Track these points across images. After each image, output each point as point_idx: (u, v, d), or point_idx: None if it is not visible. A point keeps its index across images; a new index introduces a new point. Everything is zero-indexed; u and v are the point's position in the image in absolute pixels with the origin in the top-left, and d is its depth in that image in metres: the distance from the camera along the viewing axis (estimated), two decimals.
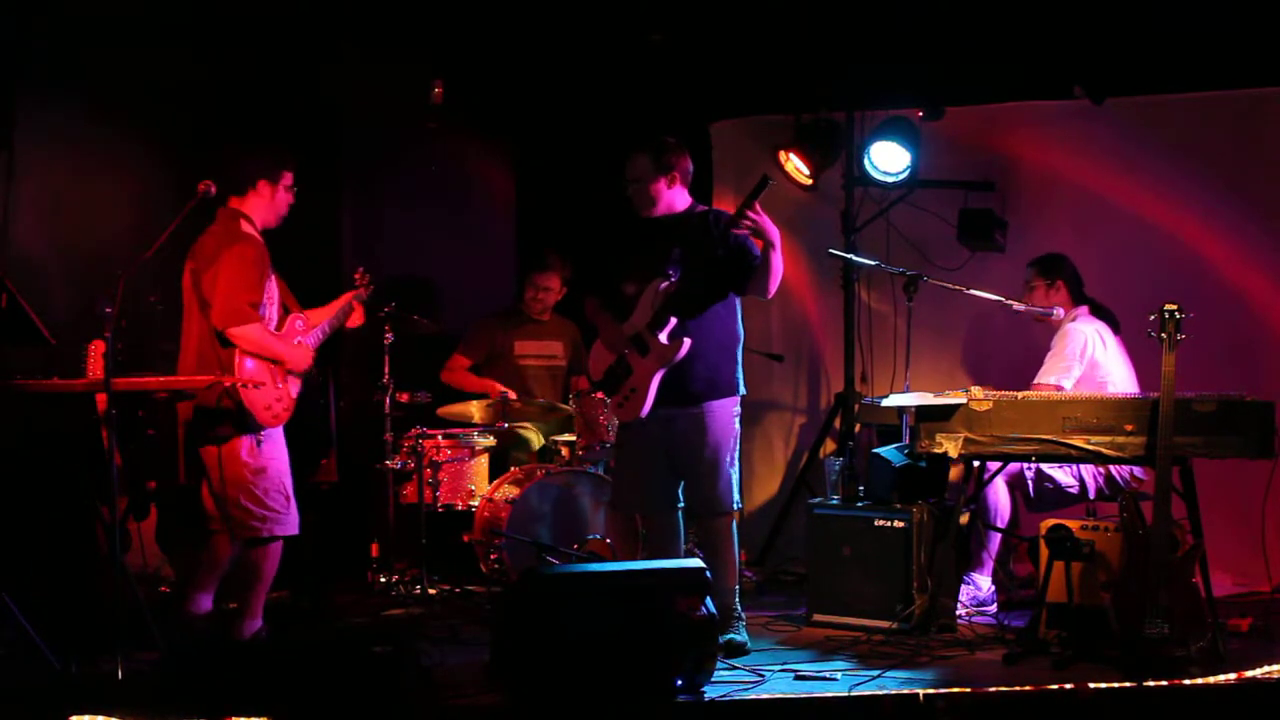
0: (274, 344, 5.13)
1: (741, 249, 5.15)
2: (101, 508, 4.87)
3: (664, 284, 5.18)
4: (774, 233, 5.06)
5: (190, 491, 5.35)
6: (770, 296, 5.26)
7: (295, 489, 5.26)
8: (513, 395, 6.63)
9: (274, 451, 5.18)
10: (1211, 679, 4.50)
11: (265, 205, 5.23)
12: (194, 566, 5.37)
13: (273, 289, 5.23)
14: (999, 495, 5.79)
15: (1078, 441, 5.13)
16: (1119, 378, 5.84)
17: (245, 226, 5.16)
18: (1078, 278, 6.06)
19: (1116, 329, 5.98)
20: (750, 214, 4.98)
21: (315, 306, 5.55)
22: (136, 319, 5.95)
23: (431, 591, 6.22)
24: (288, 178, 5.28)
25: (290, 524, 5.21)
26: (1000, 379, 6.32)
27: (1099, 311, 6.01)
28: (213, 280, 5.04)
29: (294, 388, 5.24)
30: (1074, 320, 5.95)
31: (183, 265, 5.19)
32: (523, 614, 4.44)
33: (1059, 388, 5.74)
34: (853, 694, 4.53)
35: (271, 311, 5.21)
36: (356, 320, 5.64)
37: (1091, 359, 5.81)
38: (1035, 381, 5.86)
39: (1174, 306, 5.02)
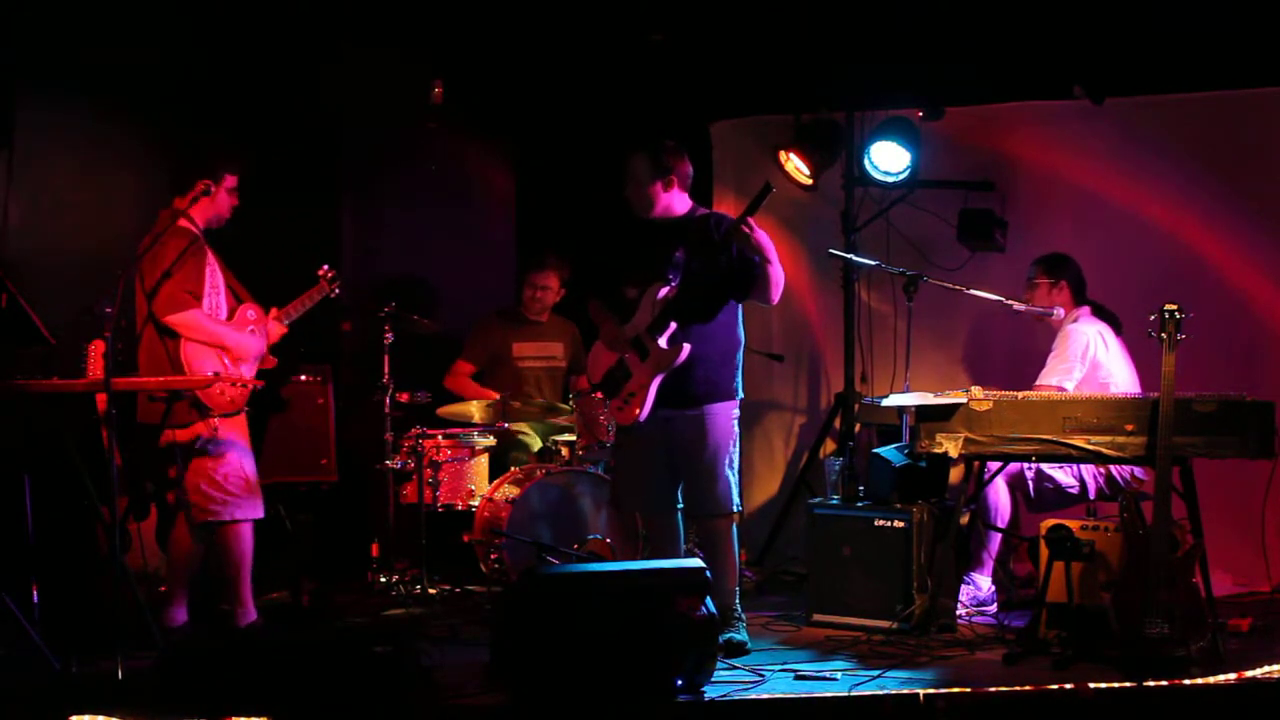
0: (216, 329, 5.23)
1: (744, 258, 5.15)
2: (101, 508, 4.88)
3: (664, 289, 5.18)
4: (769, 248, 5.08)
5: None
6: (774, 303, 5.28)
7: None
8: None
9: (233, 438, 5.27)
10: (1211, 679, 4.49)
11: (206, 205, 5.31)
12: (170, 580, 5.41)
13: (217, 279, 5.32)
14: (999, 495, 5.78)
15: (1078, 441, 5.13)
16: (1121, 379, 5.84)
17: (181, 222, 5.25)
18: (1081, 279, 6.04)
19: (1119, 330, 5.98)
20: (744, 229, 4.98)
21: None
22: (136, 319, 5.95)
23: (431, 591, 6.22)
24: (230, 180, 5.35)
25: (251, 508, 5.31)
26: (1000, 379, 6.32)
27: (1100, 313, 6.01)
28: (152, 275, 5.15)
29: (248, 373, 5.32)
30: (1075, 321, 5.94)
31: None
32: (523, 614, 4.44)
33: (1061, 389, 5.73)
34: (853, 694, 4.53)
35: (217, 300, 5.30)
36: (288, 319, 5.59)
37: (1094, 360, 5.81)
38: (1037, 383, 5.85)
39: (1174, 306, 5.02)
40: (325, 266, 5.71)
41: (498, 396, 6.61)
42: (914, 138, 6.72)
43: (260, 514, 5.36)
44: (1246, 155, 6.52)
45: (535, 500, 6.10)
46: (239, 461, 5.29)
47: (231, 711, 3.97)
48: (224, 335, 5.25)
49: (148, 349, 5.22)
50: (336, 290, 5.73)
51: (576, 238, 6.89)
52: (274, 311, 5.52)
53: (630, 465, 5.39)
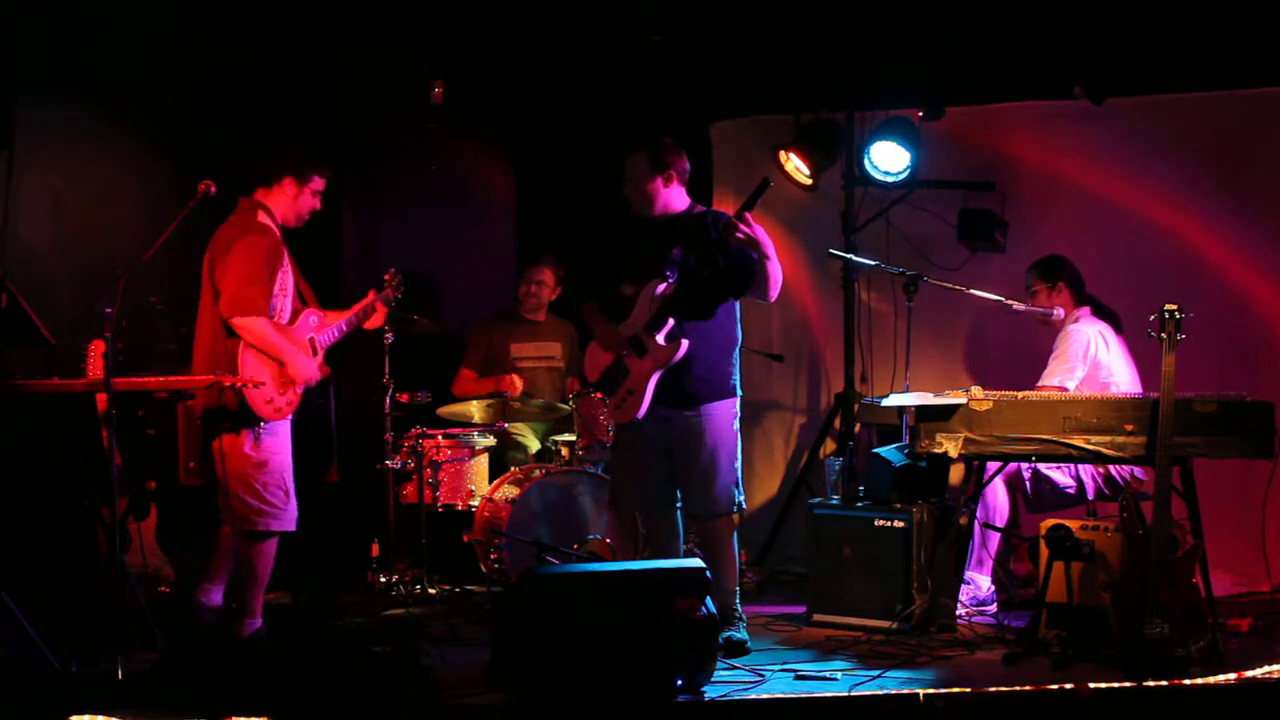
0: (278, 342, 5.14)
1: (741, 254, 5.15)
2: (101, 508, 4.87)
3: (661, 286, 5.18)
4: (767, 244, 5.08)
5: (190, 491, 5.35)
6: (771, 301, 5.28)
7: (299, 488, 5.27)
8: (516, 387, 6.62)
9: (276, 445, 5.20)
10: (1211, 679, 4.50)
11: (287, 203, 5.29)
12: (207, 556, 5.39)
13: (287, 282, 5.26)
14: (999, 495, 5.78)
15: (1078, 441, 5.13)
16: (1122, 378, 5.84)
17: (262, 217, 5.21)
18: (1079, 278, 6.05)
19: (1119, 329, 5.98)
20: (742, 226, 4.98)
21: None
22: (136, 319, 5.95)
23: (431, 591, 6.22)
24: (317, 182, 5.33)
25: (287, 520, 5.23)
26: (1000, 379, 6.31)
27: (1101, 311, 6.00)
28: (224, 269, 5.10)
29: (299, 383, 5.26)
30: (1076, 321, 5.94)
31: (203, 256, 5.23)
32: (523, 614, 4.44)
33: (1063, 389, 5.73)
34: (853, 694, 4.53)
35: (284, 304, 5.24)
36: (376, 321, 5.65)
37: (1094, 360, 5.81)
38: (1039, 383, 5.84)
39: (1174, 306, 5.02)
40: (391, 270, 5.75)
41: (503, 377, 6.64)
42: (914, 138, 6.72)
43: (293, 526, 5.27)
44: (1246, 155, 6.52)
45: (535, 500, 6.10)
46: (280, 471, 5.20)
47: (231, 712, 3.97)
48: (285, 350, 5.14)
49: (208, 341, 5.14)
50: (400, 293, 5.77)
51: (576, 237, 6.89)
52: (373, 294, 5.61)
53: (628, 464, 5.39)
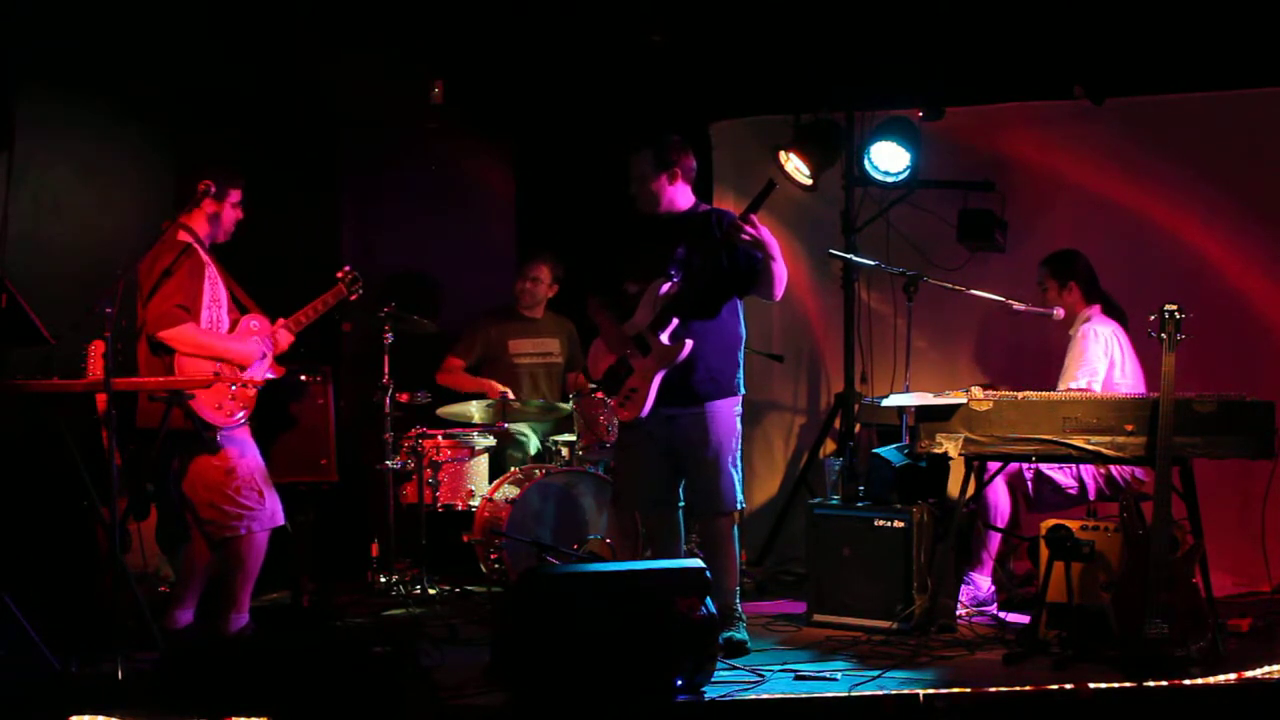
0: (212, 341, 5.18)
1: (747, 253, 5.16)
2: (101, 508, 4.88)
3: (666, 285, 5.18)
4: (772, 245, 5.08)
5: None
6: (776, 300, 5.28)
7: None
8: (512, 395, 6.64)
9: (239, 449, 5.23)
10: (1211, 679, 4.50)
11: (211, 220, 5.31)
12: (176, 580, 5.40)
13: (218, 293, 5.28)
14: (999, 495, 5.78)
15: (1078, 441, 5.13)
16: (1131, 379, 5.83)
17: (182, 235, 5.22)
18: (1092, 275, 6.01)
19: (1126, 325, 5.95)
20: (748, 228, 4.99)
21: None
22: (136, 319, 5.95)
23: (431, 591, 6.22)
24: (234, 195, 5.35)
25: (268, 517, 5.27)
26: (1000, 379, 6.32)
27: (1111, 310, 5.98)
28: (147, 291, 5.14)
29: (256, 373, 5.28)
30: (1088, 321, 5.91)
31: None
32: (523, 614, 4.44)
33: (1089, 390, 5.70)
34: (853, 694, 4.53)
35: (218, 314, 5.26)
36: (282, 344, 5.49)
37: (1111, 359, 5.79)
38: (1062, 385, 5.79)
39: (1174, 306, 5.02)
40: (347, 268, 5.68)
41: (495, 386, 6.65)
42: (914, 138, 6.72)
43: (280, 521, 5.30)
44: (1247, 155, 6.52)
45: (535, 501, 6.10)
46: (249, 472, 5.23)
47: (231, 711, 3.97)
48: (220, 346, 5.19)
49: (145, 362, 5.18)
50: (359, 292, 5.69)
51: (576, 237, 6.89)
52: (281, 321, 5.47)
53: (631, 463, 5.39)
